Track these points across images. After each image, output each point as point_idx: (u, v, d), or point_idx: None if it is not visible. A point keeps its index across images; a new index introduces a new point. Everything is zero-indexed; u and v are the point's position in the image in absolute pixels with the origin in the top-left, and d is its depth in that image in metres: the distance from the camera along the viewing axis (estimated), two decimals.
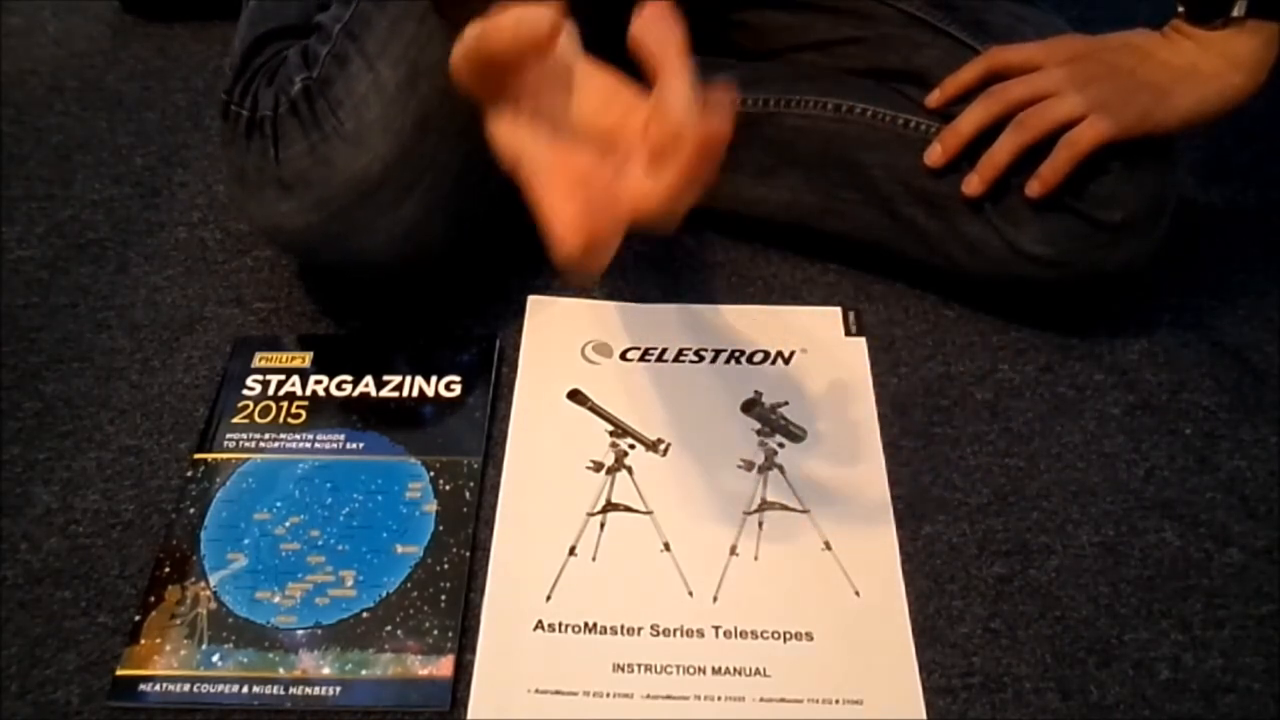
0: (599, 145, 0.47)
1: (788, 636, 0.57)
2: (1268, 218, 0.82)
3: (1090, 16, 0.90)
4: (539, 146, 0.46)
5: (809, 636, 0.57)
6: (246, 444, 0.65)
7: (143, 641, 0.56)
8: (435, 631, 0.57)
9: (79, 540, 0.61)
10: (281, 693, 0.55)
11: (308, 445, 0.65)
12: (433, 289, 0.73)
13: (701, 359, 0.70)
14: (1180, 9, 0.66)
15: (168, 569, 0.59)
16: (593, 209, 0.41)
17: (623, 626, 0.57)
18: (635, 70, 0.45)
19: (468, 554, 0.60)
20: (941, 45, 0.73)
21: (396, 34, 0.63)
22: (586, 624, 0.57)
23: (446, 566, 0.60)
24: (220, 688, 0.55)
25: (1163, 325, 0.74)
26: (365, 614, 0.58)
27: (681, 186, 0.42)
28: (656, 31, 0.42)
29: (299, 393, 0.68)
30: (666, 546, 0.61)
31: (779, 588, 0.59)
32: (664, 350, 0.71)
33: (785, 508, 0.63)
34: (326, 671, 0.55)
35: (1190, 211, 0.81)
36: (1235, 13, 0.63)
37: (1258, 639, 0.57)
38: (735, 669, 0.55)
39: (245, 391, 0.68)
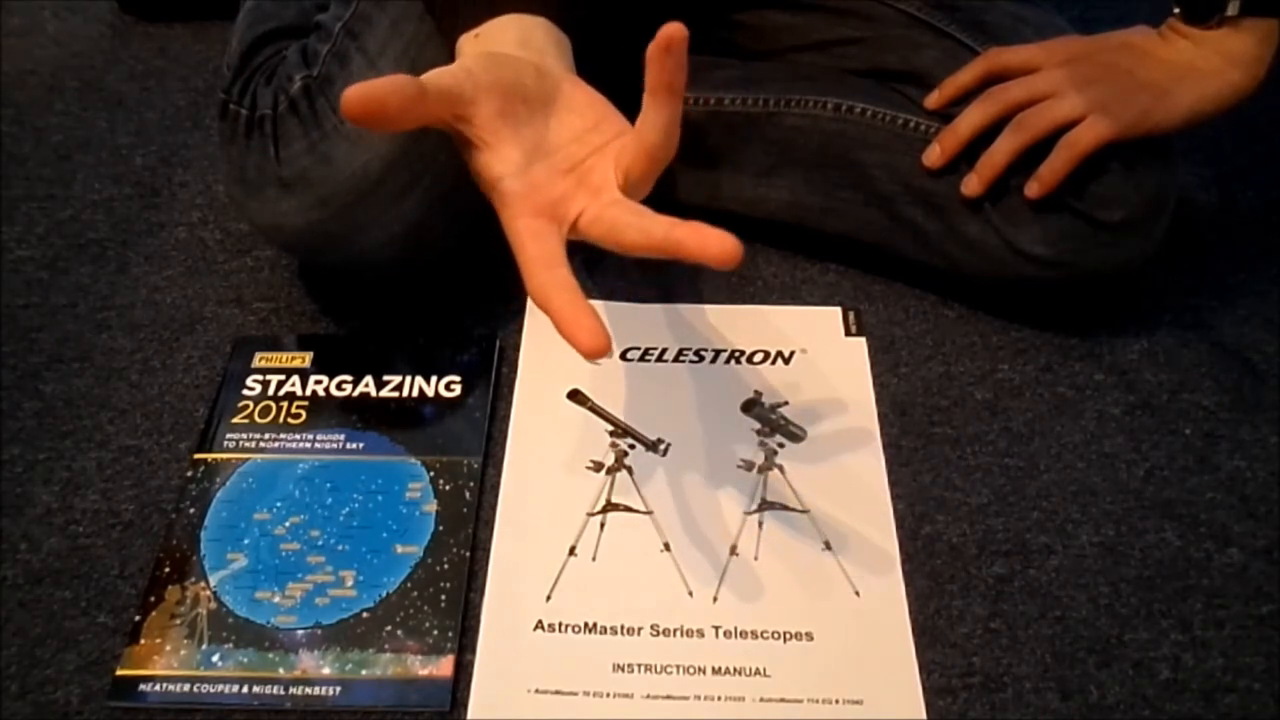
0: (576, 169, 0.48)
1: (788, 636, 0.57)
2: (1268, 218, 0.82)
3: (1090, 16, 0.91)
4: (509, 176, 0.47)
5: (809, 636, 0.57)
6: (246, 444, 0.65)
7: (143, 641, 0.56)
8: (435, 631, 0.57)
9: (79, 540, 0.61)
10: (281, 693, 0.55)
11: (308, 445, 0.65)
12: (433, 289, 0.74)
13: (701, 359, 0.70)
14: (1176, 10, 0.66)
15: (168, 569, 0.59)
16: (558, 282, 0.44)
17: (623, 626, 0.57)
18: (635, 88, 0.46)
19: (468, 554, 0.60)
20: (941, 46, 0.73)
21: (397, 33, 0.63)
22: (586, 624, 0.57)
23: (446, 566, 0.60)
24: (220, 688, 0.55)
25: (1163, 325, 0.74)
26: (365, 614, 0.58)
27: (652, 248, 0.45)
28: (664, 65, 0.43)
29: (299, 393, 0.68)
30: (666, 546, 0.61)
31: (779, 588, 0.59)
32: (664, 350, 0.71)
33: (785, 508, 0.63)
34: (326, 671, 0.55)
35: (1190, 211, 0.81)
36: (1230, 11, 0.63)
37: (1258, 639, 0.57)
38: (735, 669, 0.55)
39: (245, 391, 0.68)
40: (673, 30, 0.41)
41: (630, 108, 0.49)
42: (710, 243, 0.42)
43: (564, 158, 0.48)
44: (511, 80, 0.48)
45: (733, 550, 0.60)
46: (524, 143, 0.48)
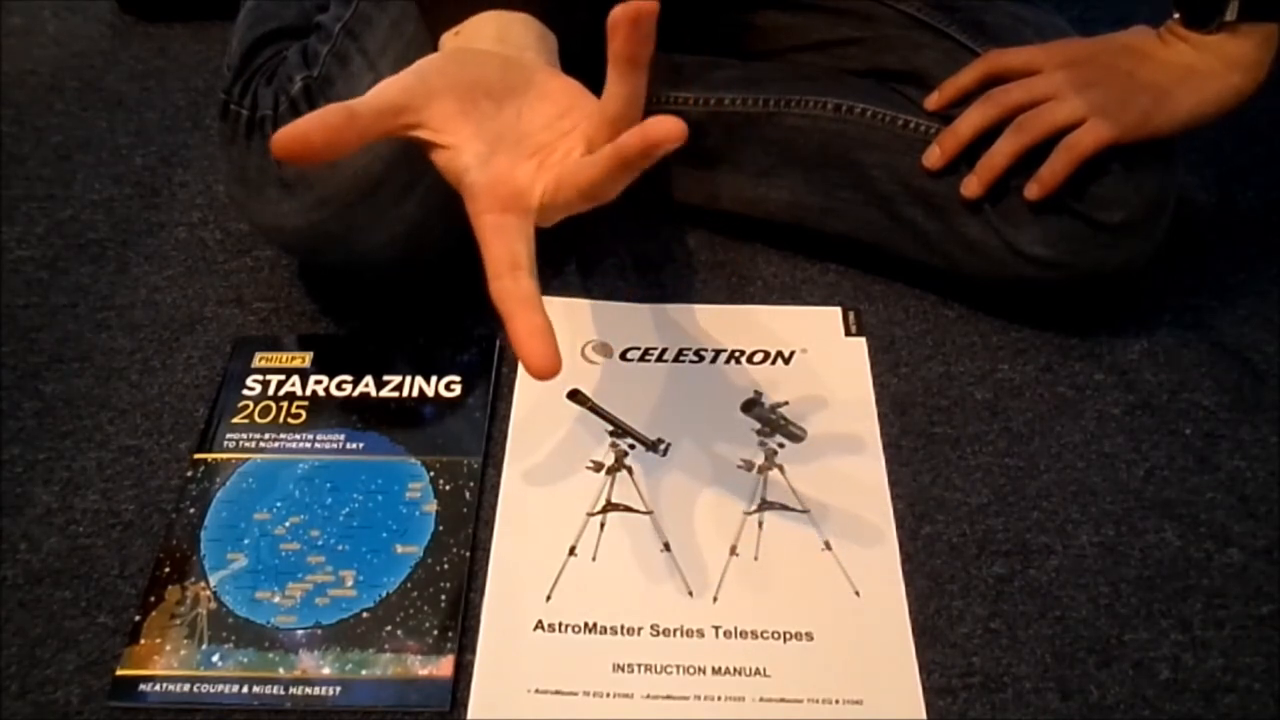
0: (539, 153, 0.47)
1: (788, 636, 0.57)
2: (1268, 218, 0.82)
3: (1090, 16, 0.91)
4: (473, 169, 0.46)
5: (809, 636, 0.57)
6: (246, 444, 0.65)
7: (143, 641, 0.56)
8: (435, 631, 0.57)
9: (79, 540, 0.61)
10: (281, 693, 0.55)
11: (308, 445, 0.65)
12: (433, 289, 0.74)
13: (701, 359, 0.70)
14: (1175, 14, 0.66)
15: (168, 569, 0.59)
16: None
17: (623, 626, 0.57)
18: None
19: (468, 554, 0.60)
20: (941, 47, 0.73)
21: (397, 33, 0.63)
22: (586, 624, 0.57)
23: (446, 566, 0.60)
24: (220, 688, 0.55)
25: (1163, 325, 0.74)
26: (365, 614, 0.58)
27: (609, 174, 0.43)
28: (630, 37, 0.41)
29: (299, 393, 0.68)
30: (666, 546, 0.61)
31: (779, 588, 0.59)
32: (664, 350, 0.71)
33: (785, 508, 0.63)
34: (326, 671, 0.55)
35: (1190, 211, 0.81)
36: (1228, 16, 0.63)
37: (1258, 639, 0.57)
38: (735, 669, 0.55)
39: (245, 391, 0.68)
40: (644, 4, 0.39)
41: None
42: (652, 132, 0.40)
43: (530, 144, 0.48)
44: (471, 77, 0.48)
45: (733, 550, 0.60)
46: (487, 135, 0.47)
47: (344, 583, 0.59)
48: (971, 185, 0.68)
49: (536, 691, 0.54)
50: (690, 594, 0.59)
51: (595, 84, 0.51)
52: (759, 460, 0.65)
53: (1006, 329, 0.73)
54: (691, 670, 0.55)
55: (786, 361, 0.70)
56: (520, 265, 0.45)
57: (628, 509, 0.62)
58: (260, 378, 0.69)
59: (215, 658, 0.56)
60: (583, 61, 0.53)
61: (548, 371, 0.42)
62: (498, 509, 0.62)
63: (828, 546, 0.61)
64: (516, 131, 0.48)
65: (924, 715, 0.54)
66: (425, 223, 0.66)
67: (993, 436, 0.67)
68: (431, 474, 0.64)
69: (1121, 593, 0.59)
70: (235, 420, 0.66)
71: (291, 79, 0.64)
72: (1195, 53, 0.65)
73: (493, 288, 0.45)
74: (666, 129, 0.39)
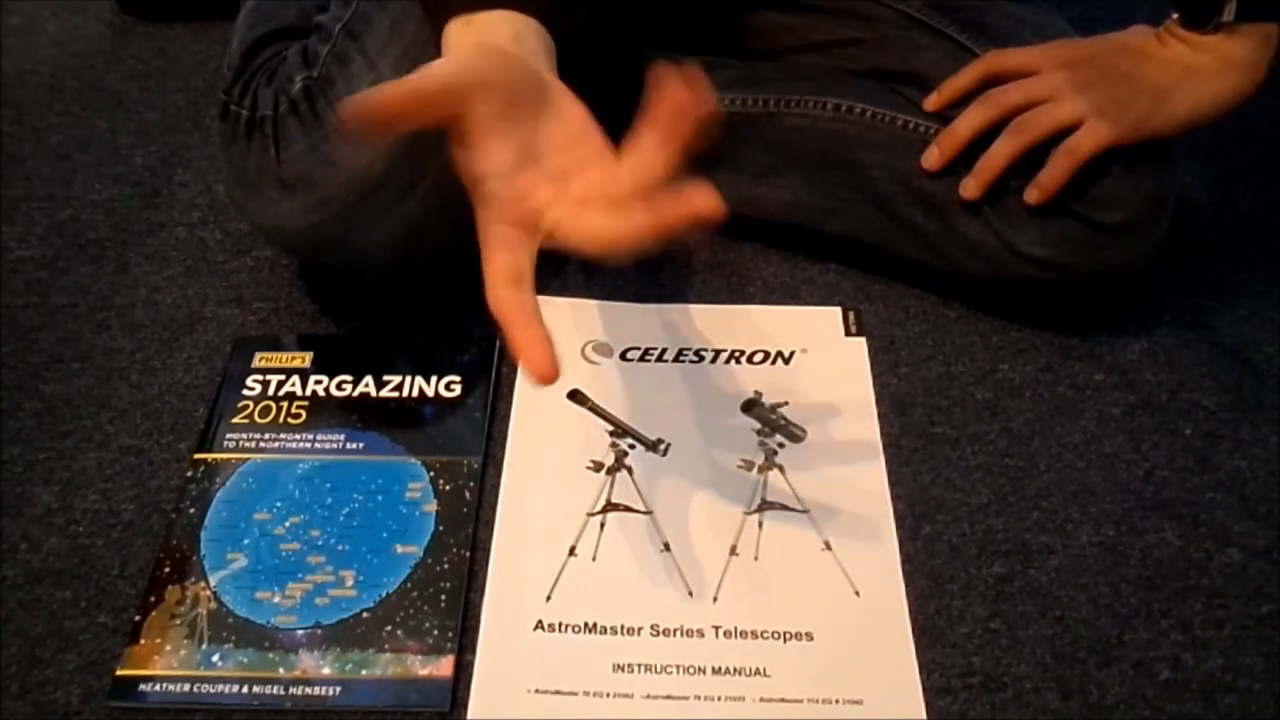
0: (558, 179, 0.47)
1: (788, 636, 0.57)
2: (1268, 218, 0.82)
3: (1090, 16, 0.91)
4: (496, 177, 0.46)
5: (809, 636, 0.57)
6: (246, 444, 0.65)
7: (143, 641, 0.56)
8: (435, 631, 0.57)
9: (79, 540, 0.61)
10: (281, 693, 0.55)
11: (308, 445, 0.65)
12: (433, 289, 0.74)
13: (701, 359, 0.70)
14: (1174, 15, 0.66)
15: (168, 569, 0.59)
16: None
17: (623, 626, 0.57)
18: (628, 96, 0.46)
19: (468, 554, 0.60)
20: (940, 48, 0.73)
21: (397, 33, 0.63)
22: (586, 624, 0.57)
23: (446, 566, 0.60)
24: (220, 688, 0.55)
25: (1163, 325, 0.74)
26: (365, 614, 0.58)
27: (634, 238, 0.44)
28: (677, 109, 0.42)
29: (299, 393, 0.68)
30: (666, 546, 0.61)
31: (779, 588, 0.59)
32: (664, 350, 0.71)
33: (785, 508, 0.63)
34: (326, 671, 0.55)
35: (1190, 211, 0.81)
36: (1225, 16, 0.63)
37: (1258, 639, 0.57)
38: (735, 669, 0.55)
39: (245, 391, 0.68)
40: (709, 106, 0.41)
41: (617, 115, 0.48)
42: (697, 204, 0.41)
43: (550, 166, 0.47)
44: (512, 79, 0.47)
45: (733, 550, 0.60)
46: (514, 145, 0.46)
47: (344, 583, 0.59)
48: (970, 186, 0.68)
49: (536, 691, 0.54)
50: (690, 594, 0.59)
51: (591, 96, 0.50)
52: (759, 460, 0.65)
53: (1006, 329, 0.73)
54: (691, 670, 0.55)
55: (786, 361, 0.70)
56: (522, 278, 0.45)
57: (628, 509, 0.62)
58: (260, 378, 0.69)
59: (215, 658, 0.56)
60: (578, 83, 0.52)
61: (547, 377, 0.43)
62: (498, 509, 0.62)
63: (828, 546, 0.61)
64: (536, 147, 0.47)
65: (924, 715, 0.54)
66: (425, 223, 0.66)
67: (993, 436, 0.67)
68: (431, 474, 0.64)
69: (1121, 593, 0.59)
70: (235, 420, 0.67)
71: (291, 79, 0.64)
72: (1193, 53, 0.65)
73: (491, 296, 0.45)
74: (712, 208, 0.41)
